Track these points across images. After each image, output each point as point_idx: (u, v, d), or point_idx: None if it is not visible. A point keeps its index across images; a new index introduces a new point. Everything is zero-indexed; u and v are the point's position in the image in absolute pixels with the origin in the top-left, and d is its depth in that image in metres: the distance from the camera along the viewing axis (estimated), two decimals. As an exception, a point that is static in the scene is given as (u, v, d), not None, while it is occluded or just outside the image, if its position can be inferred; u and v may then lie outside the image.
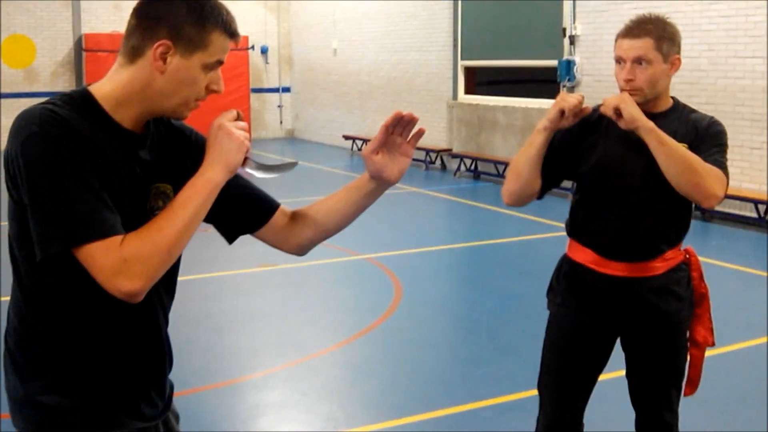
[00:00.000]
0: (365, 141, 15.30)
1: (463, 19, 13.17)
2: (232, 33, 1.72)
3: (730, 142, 2.65)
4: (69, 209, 1.57)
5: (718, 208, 9.06)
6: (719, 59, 9.15)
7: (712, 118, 2.69)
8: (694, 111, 2.71)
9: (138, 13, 1.70)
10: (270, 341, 5.42)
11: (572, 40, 10.99)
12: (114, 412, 1.80)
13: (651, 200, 2.64)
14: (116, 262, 1.57)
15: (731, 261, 7.29)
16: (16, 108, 16.30)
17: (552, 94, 11.12)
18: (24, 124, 1.61)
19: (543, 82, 11.71)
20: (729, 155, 2.62)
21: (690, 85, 9.42)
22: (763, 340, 5.18)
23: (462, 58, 13.31)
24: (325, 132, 17.51)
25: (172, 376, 2.00)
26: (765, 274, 6.79)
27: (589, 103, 2.63)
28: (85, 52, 16.37)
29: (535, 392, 2.96)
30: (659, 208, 2.66)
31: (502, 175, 11.62)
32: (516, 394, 4.36)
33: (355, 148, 15.84)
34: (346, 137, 16.08)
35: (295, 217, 1.99)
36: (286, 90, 18.95)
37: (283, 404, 4.38)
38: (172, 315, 1.94)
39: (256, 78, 18.38)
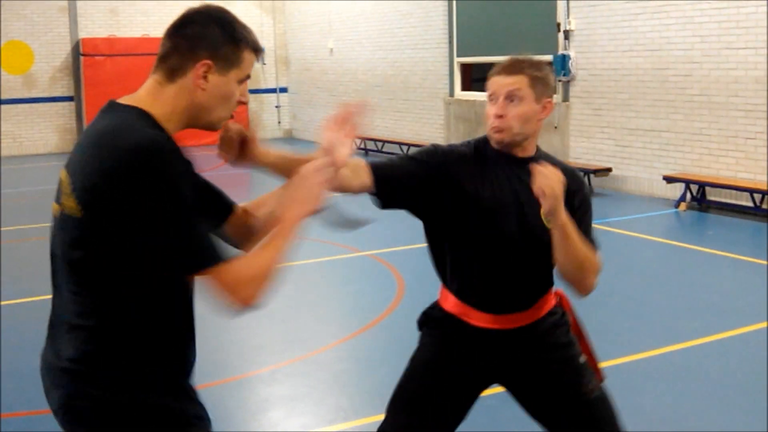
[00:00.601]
0: (362, 139, 15.41)
1: (457, 16, 13.26)
2: (258, 49, 1.93)
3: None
4: (193, 237, 1.71)
5: (714, 198, 9.19)
6: (712, 51, 9.24)
7: (575, 172, 2.58)
8: (555, 160, 2.61)
9: (174, 36, 1.83)
10: (277, 337, 5.52)
11: (566, 35, 11.09)
12: (188, 399, 1.92)
13: (533, 249, 2.52)
14: (235, 281, 1.74)
15: (727, 250, 7.37)
16: (14, 114, 16.38)
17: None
18: (135, 154, 1.68)
19: (538, 77, 11.77)
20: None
21: (684, 77, 9.52)
22: (760, 326, 5.29)
23: (457, 55, 13.40)
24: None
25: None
26: (761, 262, 6.89)
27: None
28: (82, 56, 16.44)
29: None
30: (541, 257, 2.53)
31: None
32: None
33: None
34: (344, 136, 16.12)
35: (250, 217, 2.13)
36: (284, 90, 19.02)
37: (291, 397, 4.49)
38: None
39: (253, 79, 18.30)
